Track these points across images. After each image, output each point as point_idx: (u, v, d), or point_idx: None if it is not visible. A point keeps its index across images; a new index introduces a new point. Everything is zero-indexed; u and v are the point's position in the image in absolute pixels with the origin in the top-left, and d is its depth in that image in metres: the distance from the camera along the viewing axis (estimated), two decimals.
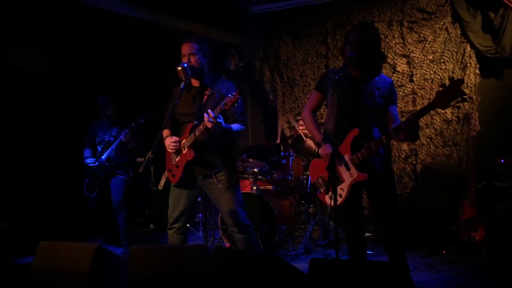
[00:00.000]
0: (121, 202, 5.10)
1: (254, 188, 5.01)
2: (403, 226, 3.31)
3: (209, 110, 3.25)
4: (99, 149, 5.22)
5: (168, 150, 3.61)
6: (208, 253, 2.59)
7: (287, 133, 6.57)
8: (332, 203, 3.09)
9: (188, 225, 5.57)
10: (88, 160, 5.18)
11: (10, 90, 5.31)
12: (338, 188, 3.15)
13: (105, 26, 5.64)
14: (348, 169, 3.13)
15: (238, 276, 2.36)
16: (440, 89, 2.84)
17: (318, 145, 3.32)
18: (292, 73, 6.51)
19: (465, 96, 2.81)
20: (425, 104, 5.55)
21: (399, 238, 3.22)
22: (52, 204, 5.83)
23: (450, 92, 2.76)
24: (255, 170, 5.13)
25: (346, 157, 3.14)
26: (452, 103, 4.22)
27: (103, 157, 5.08)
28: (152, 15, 5.67)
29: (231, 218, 3.58)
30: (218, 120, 3.26)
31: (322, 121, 4.70)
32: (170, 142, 3.56)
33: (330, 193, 3.16)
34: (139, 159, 5.60)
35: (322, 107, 3.91)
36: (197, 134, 3.43)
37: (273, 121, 6.77)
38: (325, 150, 3.20)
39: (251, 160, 5.28)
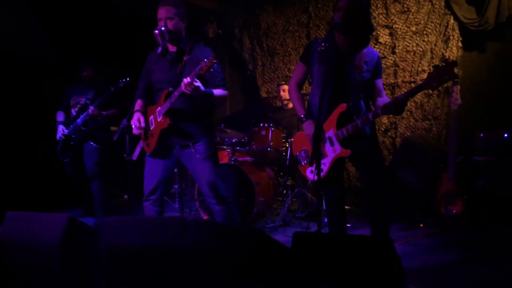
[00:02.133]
0: (95, 171, 4.93)
1: (232, 159, 4.89)
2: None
3: (186, 77, 3.10)
4: (73, 112, 4.98)
5: (133, 130, 3.46)
6: (185, 225, 2.48)
7: (264, 95, 6.46)
8: (313, 177, 3.05)
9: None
10: (60, 127, 4.95)
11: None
12: (321, 162, 3.09)
13: None
14: (332, 144, 3.06)
15: (217, 250, 2.25)
16: (432, 70, 2.74)
17: (300, 120, 3.23)
18: (273, 42, 6.36)
19: (456, 80, 2.72)
20: (406, 76, 5.50)
21: (386, 210, 3.18)
22: (29, 172, 5.69)
23: (443, 74, 2.68)
24: (233, 141, 5.01)
25: (331, 132, 3.06)
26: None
27: (78, 120, 4.85)
28: None
29: (210, 189, 3.47)
30: (195, 83, 3.11)
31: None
32: (136, 122, 3.41)
33: (312, 168, 3.12)
34: (113, 128, 5.40)
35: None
36: (172, 101, 3.28)
37: (252, 91, 6.61)
38: (308, 127, 3.11)
39: (229, 130, 5.14)
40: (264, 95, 6.50)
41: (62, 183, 5.60)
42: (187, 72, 3.28)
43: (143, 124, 3.41)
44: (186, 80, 3.09)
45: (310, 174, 3.19)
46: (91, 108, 4.71)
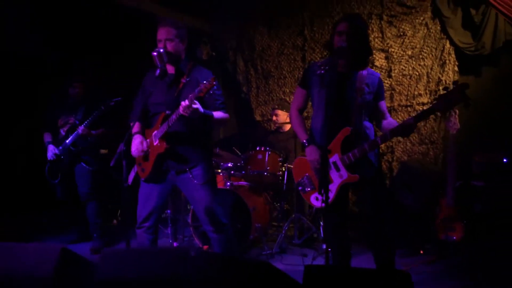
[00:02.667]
0: (89, 195, 4.77)
1: (228, 184, 4.76)
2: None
3: (185, 100, 3.00)
4: (62, 132, 4.81)
5: (132, 152, 3.34)
6: (188, 257, 2.34)
7: (258, 118, 6.36)
8: (320, 204, 2.95)
9: None
10: (51, 147, 4.78)
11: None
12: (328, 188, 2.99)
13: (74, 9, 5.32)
14: (337, 169, 2.96)
15: (223, 285, 2.11)
16: (443, 92, 2.71)
17: (303, 145, 3.14)
18: (267, 65, 6.29)
19: (469, 102, 2.68)
20: (403, 100, 5.47)
21: (391, 239, 3.10)
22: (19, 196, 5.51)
23: (454, 96, 2.66)
24: (229, 165, 4.89)
25: (336, 157, 2.97)
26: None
27: (67, 141, 4.70)
28: None
29: (207, 216, 3.34)
30: (194, 106, 3.00)
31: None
32: (137, 145, 3.30)
33: (316, 194, 3.02)
34: (102, 151, 5.25)
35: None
36: (169, 124, 3.17)
37: (246, 114, 6.52)
38: (310, 153, 3.02)
39: (224, 154, 5.03)
40: (258, 118, 6.41)
41: (55, 205, 5.42)
42: (185, 94, 3.17)
43: (145, 147, 3.29)
44: (185, 102, 2.99)
45: (315, 201, 3.08)
46: (81, 128, 4.59)
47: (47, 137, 4.91)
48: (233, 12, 6.22)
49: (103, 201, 5.03)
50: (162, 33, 3.29)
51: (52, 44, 5.53)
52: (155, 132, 3.29)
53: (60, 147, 4.73)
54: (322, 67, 2.85)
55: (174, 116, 3.13)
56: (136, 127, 3.42)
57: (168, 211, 5.05)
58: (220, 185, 4.85)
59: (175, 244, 4.82)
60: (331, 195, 2.99)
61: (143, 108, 3.38)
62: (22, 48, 5.27)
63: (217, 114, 3.29)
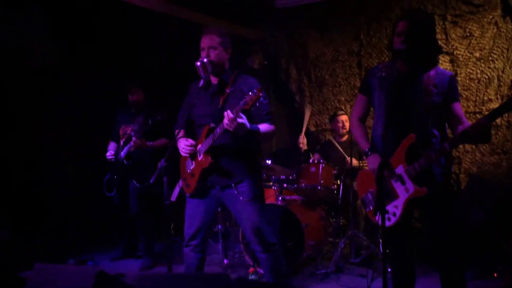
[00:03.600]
0: (139, 212, 4.66)
1: (280, 198, 4.52)
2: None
3: (228, 111, 2.80)
4: (122, 143, 4.70)
5: (182, 153, 3.18)
6: (228, 285, 2.12)
7: (312, 128, 6.09)
8: (387, 224, 2.69)
9: None
10: (108, 154, 4.72)
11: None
12: (392, 205, 2.72)
13: (123, 18, 5.33)
14: (403, 182, 2.65)
15: None
16: None
17: (365, 154, 2.88)
18: (321, 72, 6.00)
19: None
20: (471, 106, 5.00)
21: (461, 261, 2.75)
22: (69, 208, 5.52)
23: None
24: (281, 178, 4.65)
25: (401, 169, 2.66)
26: None
27: (122, 153, 4.60)
28: (171, 8, 5.27)
29: (254, 235, 3.14)
30: (240, 120, 2.81)
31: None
32: (184, 144, 3.12)
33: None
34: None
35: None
36: (214, 138, 2.99)
37: (299, 125, 6.26)
38: (373, 162, 2.73)
39: (276, 167, 4.79)
40: (312, 128, 6.13)
41: (100, 221, 5.41)
42: (230, 105, 2.99)
43: (192, 142, 3.11)
44: (229, 116, 2.79)
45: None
46: (134, 138, 4.42)
47: (110, 147, 4.85)
48: (285, 19, 6.02)
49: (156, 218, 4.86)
50: (205, 41, 3.14)
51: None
52: (200, 146, 3.13)
53: (112, 159, 4.68)
54: (383, 70, 2.67)
55: (218, 130, 2.95)
56: (180, 134, 3.28)
57: (219, 226, 4.87)
58: (271, 199, 4.63)
59: (225, 261, 4.63)
60: (398, 212, 2.70)
61: (186, 119, 3.25)
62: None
63: (263, 127, 3.07)
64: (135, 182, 4.60)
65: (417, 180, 2.63)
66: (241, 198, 3.10)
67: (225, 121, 2.82)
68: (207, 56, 3.08)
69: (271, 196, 4.68)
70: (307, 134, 5.98)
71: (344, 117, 5.09)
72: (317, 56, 6.01)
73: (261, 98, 2.78)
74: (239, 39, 6.02)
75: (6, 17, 4.76)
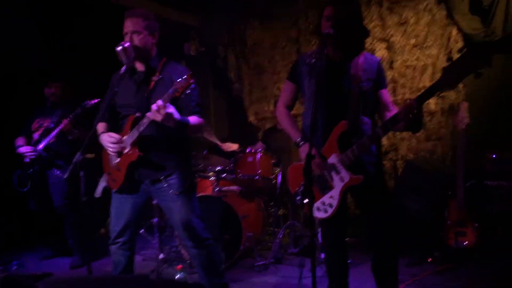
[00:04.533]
0: (64, 205, 4.39)
1: (216, 189, 4.37)
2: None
3: (158, 100, 2.60)
4: (36, 136, 4.46)
5: (109, 152, 2.95)
6: (152, 286, 1.96)
7: (251, 117, 5.99)
8: (323, 215, 2.62)
9: (142, 231, 4.95)
10: (22, 149, 4.39)
11: None
12: (327, 196, 2.63)
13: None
14: (337, 172, 2.57)
15: None
16: (447, 64, 2.29)
17: (296, 145, 2.75)
18: (260, 59, 5.90)
19: (481, 71, 2.22)
20: (406, 93, 5.05)
21: (394, 249, 2.72)
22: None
23: (460, 68, 2.21)
24: (218, 168, 4.50)
25: (334, 158, 2.57)
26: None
27: (40, 145, 4.33)
28: None
29: (185, 230, 2.97)
30: (168, 110, 2.61)
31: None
32: (109, 142, 2.88)
33: (318, 204, 2.66)
34: (88, 155, 4.87)
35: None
36: (141, 129, 2.79)
37: (238, 113, 6.13)
38: (305, 153, 2.63)
39: (213, 157, 4.64)
40: (251, 117, 6.02)
41: (27, 217, 5.07)
42: (157, 94, 2.79)
43: (118, 137, 2.87)
44: (156, 105, 2.59)
45: (317, 211, 2.69)
46: (64, 121, 4.21)
47: (19, 142, 4.53)
48: (222, 5, 5.84)
49: (92, 208, 4.62)
50: (128, 25, 2.88)
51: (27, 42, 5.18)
52: (125, 137, 2.91)
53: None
54: (312, 56, 2.49)
55: (145, 120, 2.75)
56: (101, 128, 3.04)
57: (155, 219, 4.67)
58: (208, 191, 4.48)
59: (161, 256, 4.45)
60: (334, 202, 2.61)
61: (109, 109, 3.01)
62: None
63: (193, 119, 2.88)
64: (56, 171, 4.35)
65: (351, 168, 2.56)
66: (171, 191, 2.93)
67: (153, 109, 2.62)
68: (130, 41, 2.86)
69: (208, 187, 4.53)
70: (247, 125, 5.89)
71: None
72: (255, 43, 5.90)
73: (192, 86, 2.60)
74: (175, 25, 5.80)
75: None
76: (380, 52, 5.13)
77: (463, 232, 3.99)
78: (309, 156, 2.15)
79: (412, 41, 4.96)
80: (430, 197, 4.38)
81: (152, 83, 2.91)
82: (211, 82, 6.33)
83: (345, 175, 2.57)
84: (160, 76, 2.91)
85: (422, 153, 5.01)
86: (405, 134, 5.05)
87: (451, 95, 4.81)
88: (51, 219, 4.69)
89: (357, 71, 2.60)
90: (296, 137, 2.76)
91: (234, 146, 4.90)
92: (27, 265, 4.65)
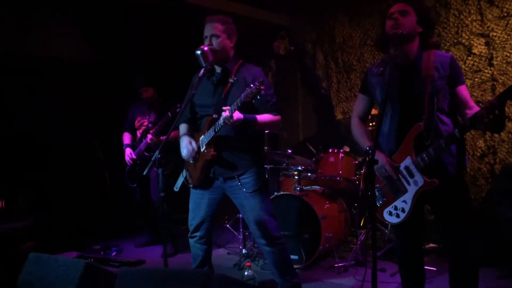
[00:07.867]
0: (160, 199, 4.74)
1: (298, 188, 4.40)
2: (476, 241, 2.62)
3: (226, 110, 2.78)
4: (139, 134, 4.93)
5: (183, 156, 3.19)
6: (208, 282, 2.06)
7: (339, 116, 5.91)
8: (393, 220, 2.60)
9: (228, 225, 5.15)
10: (128, 151, 4.91)
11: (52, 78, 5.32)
12: (400, 200, 2.57)
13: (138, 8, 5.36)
14: (411, 175, 2.49)
15: None
16: None
17: (366, 154, 2.75)
18: (349, 58, 5.77)
19: None
20: None
21: (473, 259, 2.57)
22: (98, 197, 5.77)
23: None
24: (300, 168, 4.52)
25: (408, 161, 2.50)
26: None
27: (141, 145, 4.79)
28: None
29: (258, 228, 3.09)
30: (235, 117, 2.78)
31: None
32: (190, 150, 3.11)
33: (390, 208, 2.62)
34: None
35: None
36: (216, 129, 2.94)
37: (326, 112, 6.07)
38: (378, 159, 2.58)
39: (296, 156, 4.66)
40: (339, 116, 5.93)
41: (132, 208, 5.51)
42: (232, 96, 2.96)
43: (195, 147, 3.10)
44: (222, 117, 2.78)
45: (388, 216, 2.64)
46: (149, 136, 4.62)
47: (126, 139, 5.04)
48: (310, 3, 5.81)
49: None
50: (207, 29, 3.07)
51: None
52: (202, 137, 3.09)
53: (136, 151, 4.82)
54: (380, 65, 2.57)
55: (221, 121, 2.89)
56: (182, 129, 3.26)
57: (240, 214, 4.84)
58: (290, 189, 4.52)
59: (243, 251, 4.59)
60: (407, 207, 2.54)
61: (190, 110, 3.23)
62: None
63: (262, 117, 2.98)
64: (155, 168, 4.72)
65: (427, 172, 2.46)
66: (244, 190, 3.05)
67: (221, 117, 2.80)
68: (209, 45, 3.01)
69: (290, 186, 4.58)
70: (335, 124, 5.82)
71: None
72: (344, 41, 5.79)
73: (263, 91, 2.69)
74: (264, 25, 5.90)
75: None
76: (478, 48, 4.77)
77: None
78: (372, 162, 2.11)
79: None
80: None
81: (228, 85, 3.05)
82: (300, 80, 6.35)
83: (419, 178, 2.47)
84: (235, 78, 3.03)
85: None
86: (504, 136, 4.66)
87: None
88: (149, 210, 5.09)
89: (429, 71, 2.48)
90: (365, 145, 2.72)
91: None
92: (125, 252, 5.07)
